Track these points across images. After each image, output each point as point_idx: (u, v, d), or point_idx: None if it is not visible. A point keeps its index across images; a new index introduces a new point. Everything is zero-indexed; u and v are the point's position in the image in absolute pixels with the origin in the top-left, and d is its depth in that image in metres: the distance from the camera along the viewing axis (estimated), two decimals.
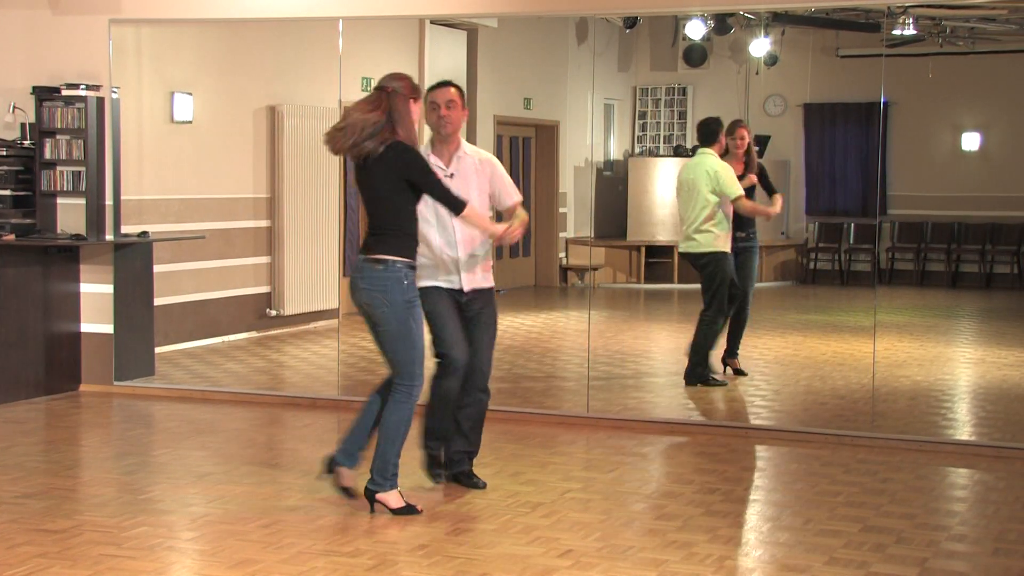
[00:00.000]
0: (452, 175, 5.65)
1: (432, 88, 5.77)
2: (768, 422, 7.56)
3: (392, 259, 5.24)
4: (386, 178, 5.22)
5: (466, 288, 5.73)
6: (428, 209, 5.59)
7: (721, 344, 8.54)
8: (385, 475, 5.32)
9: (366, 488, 5.37)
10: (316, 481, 5.83)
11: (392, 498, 5.34)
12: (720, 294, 8.27)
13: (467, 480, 5.86)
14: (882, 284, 12.42)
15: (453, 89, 5.72)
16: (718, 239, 8.27)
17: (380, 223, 5.29)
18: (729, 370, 8.60)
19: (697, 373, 8.34)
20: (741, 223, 8.45)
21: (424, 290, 5.64)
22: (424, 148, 5.69)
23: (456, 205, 5.34)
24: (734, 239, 8.39)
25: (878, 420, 7.39)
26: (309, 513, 5.39)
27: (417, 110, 5.36)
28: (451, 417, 5.80)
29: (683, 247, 8.42)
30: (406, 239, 5.29)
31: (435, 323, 5.68)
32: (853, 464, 6.49)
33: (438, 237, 5.69)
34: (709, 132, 8.39)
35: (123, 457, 6.54)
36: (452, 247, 5.69)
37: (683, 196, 8.40)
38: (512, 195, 5.83)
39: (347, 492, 5.44)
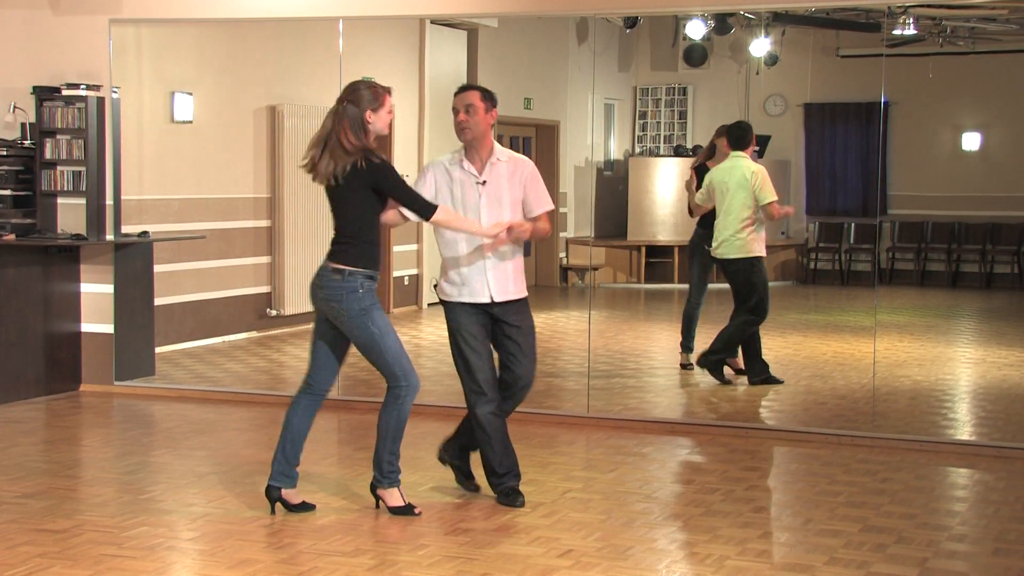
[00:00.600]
0: (484, 182, 5.46)
1: (457, 92, 5.56)
2: (768, 422, 7.56)
3: (350, 269, 5.22)
4: (355, 188, 5.19)
5: (497, 299, 5.49)
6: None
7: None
8: (383, 472, 5.34)
9: (371, 484, 5.41)
10: (314, 480, 5.84)
11: (391, 496, 5.36)
12: (764, 297, 8.31)
13: (465, 481, 5.83)
14: (882, 284, 12.42)
15: (472, 92, 5.48)
16: (754, 243, 8.29)
17: (344, 231, 5.26)
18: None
19: (711, 361, 8.37)
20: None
21: (451, 307, 5.54)
22: (452, 155, 5.55)
23: (425, 210, 5.26)
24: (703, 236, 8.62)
25: (878, 420, 7.40)
26: (310, 513, 5.39)
27: (381, 117, 5.25)
28: (509, 445, 5.58)
29: (717, 252, 8.40)
30: (368, 248, 5.26)
31: (459, 348, 5.50)
32: (853, 464, 6.50)
33: (466, 247, 5.48)
34: (742, 135, 8.40)
35: (123, 457, 6.54)
36: (481, 255, 5.46)
37: (716, 199, 8.42)
38: (542, 203, 5.55)
39: (304, 506, 5.41)
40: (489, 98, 5.51)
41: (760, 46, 12.44)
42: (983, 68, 12.73)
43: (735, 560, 4.84)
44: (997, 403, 8.18)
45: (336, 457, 6.72)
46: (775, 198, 8.27)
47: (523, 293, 5.61)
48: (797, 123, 13.07)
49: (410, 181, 5.48)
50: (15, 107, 8.40)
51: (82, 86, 8.16)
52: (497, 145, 5.57)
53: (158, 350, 8.79)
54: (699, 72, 13.11)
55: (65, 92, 8.18)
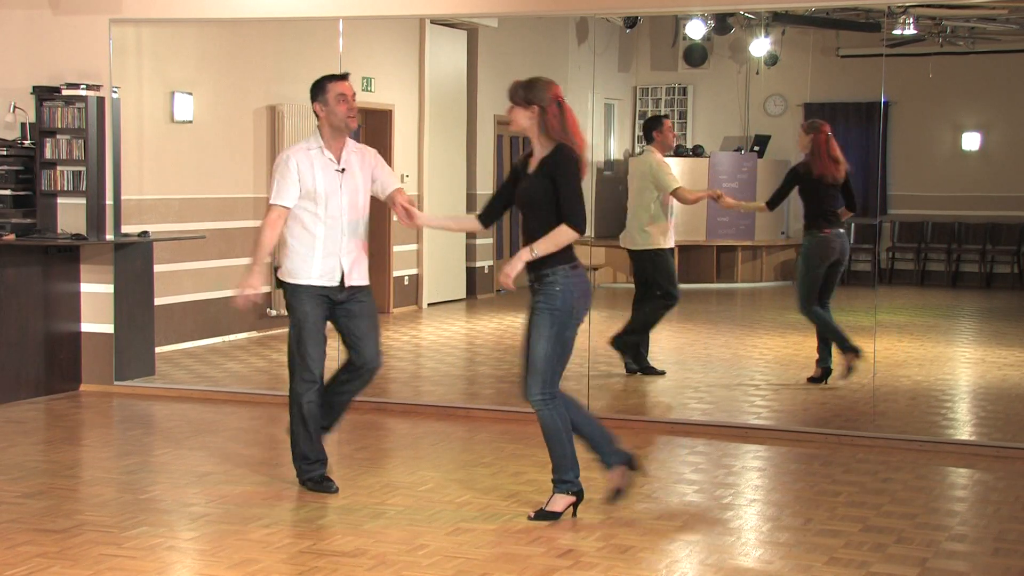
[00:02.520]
0: (343, 170, 5.62)
1: (337, 79, 5.67)
2: (768, 422, 7.56)
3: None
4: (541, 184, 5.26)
5: (348, 283, 5.65)
6: (317, 201, 5.57)
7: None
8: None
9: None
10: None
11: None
12: (671, 286, 8.58)
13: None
14: (882, 284, 12.43)
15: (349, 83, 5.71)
16: (659, 235, 8.50)
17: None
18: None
19: (625, 343, 8.60)
20: None
21: (300, 289, 5.64)
22: (309, 142, 5.65)
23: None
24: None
25: (878, 420, 7.40)
26: (310, 513, 5.40)
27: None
28: (319, 433, 5.82)
29: (624, 244, 8.64)
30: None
31: (300, 335, 5.67)
32: (853, 464, 6.50)
33: (324, 230, 5.60)
34: (647, 128, 8.71)
35: (123, 457, 6.54)
36: (340, 237, 5.62)
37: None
38: (394, 181, 5.78)
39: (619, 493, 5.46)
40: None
41: (760, 46, 12.45)
42: (983, 68, 12.73)
43: (735, 560, 4.84)
44: (997, 403, 8.18)
45: (336, 457, 6.72)
46: (676, 184, 8.43)
47: (366, 280, 5.78)
48: (797, 123, 13.05)
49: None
50: (15, 107, 8.40)
51: (82, 86, 8.16)
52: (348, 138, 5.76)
53: (158, 350, 8.79)
54: (699, 72, 13.11)
55: (65, 92, 8.18)
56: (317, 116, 5.66)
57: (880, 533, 5.19)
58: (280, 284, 5.76)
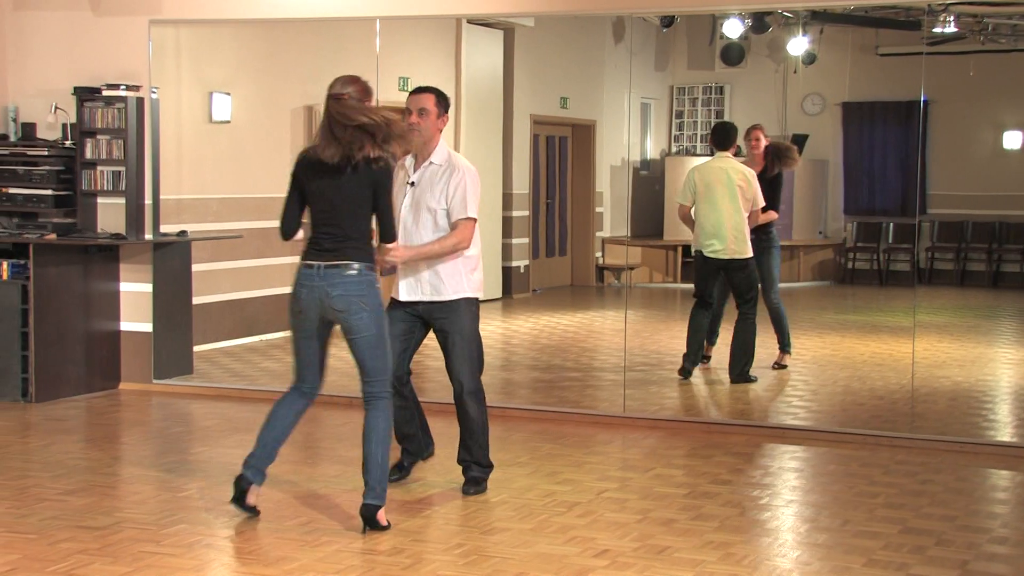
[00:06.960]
0: (413, 184, 5.54)
1: (409, 93, 5.64)
2: (806, 422, 7.51)
3: (369, 264, 5.12)
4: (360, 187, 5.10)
5: (403, 298, 5.59)
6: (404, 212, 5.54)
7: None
8: (384, 489, 5.12)
9: (367, 504, 5.07)
10: (352, 479, 5.85)
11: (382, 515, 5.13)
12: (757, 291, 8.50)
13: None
14: (922, 284, 12.31)
15: (427, 96, 5.53)
16: (750, 243, 8.39)
17: (348, 229, 5.10)
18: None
19: (746, 373, 8.39)
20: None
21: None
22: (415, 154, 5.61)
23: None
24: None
25: (917, 421, 7.33)
26: (347, 511, 5.41)
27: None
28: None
29: (721, 253, 8.37)
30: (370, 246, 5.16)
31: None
32: (892, 465, 6.44)
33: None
34: (726, 135, 8.49)
35: (162, 455, 6.59)
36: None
37: (700, 200, 8.46)
38: (455, 211, 5.48)
39: (253, 510, 5.28)
40: (443, 103, 5.55)
41: (798, 44, 12.36)
42: None
43: (772, 561, 4.82)
44: None
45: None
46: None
47: (447, 295, 5.56)
48: (835, 122, 12.97)
49: None
50: (56, 108, 8.48)
51: (122, 86, 8.23)
52: (442, 148, 5.55)
53: (196, 349, 8.84)
54: (736, 71, 13.04)
55: (105, 92, 8.25)
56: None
57: (919, 535, 5.15)
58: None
